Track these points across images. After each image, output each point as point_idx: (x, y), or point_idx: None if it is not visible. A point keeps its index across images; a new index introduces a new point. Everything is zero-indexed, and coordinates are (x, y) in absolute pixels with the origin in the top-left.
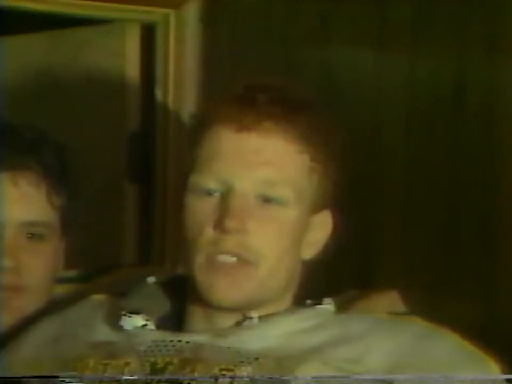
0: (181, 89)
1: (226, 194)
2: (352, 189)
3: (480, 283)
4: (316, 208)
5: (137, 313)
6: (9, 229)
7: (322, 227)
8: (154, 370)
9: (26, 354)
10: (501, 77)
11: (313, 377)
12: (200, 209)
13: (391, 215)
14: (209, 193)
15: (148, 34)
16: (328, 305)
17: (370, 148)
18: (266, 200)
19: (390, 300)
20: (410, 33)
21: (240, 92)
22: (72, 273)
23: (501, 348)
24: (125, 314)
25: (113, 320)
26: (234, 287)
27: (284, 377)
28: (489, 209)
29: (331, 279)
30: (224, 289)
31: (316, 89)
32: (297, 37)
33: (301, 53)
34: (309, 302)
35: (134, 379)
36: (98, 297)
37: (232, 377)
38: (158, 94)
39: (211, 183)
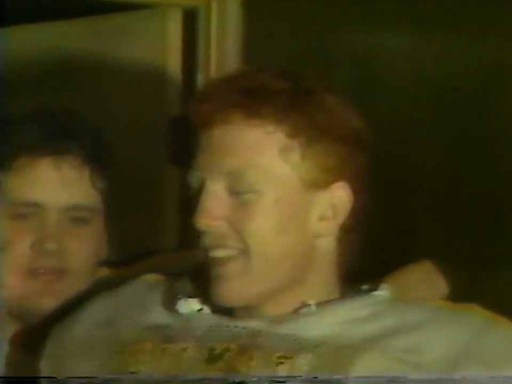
0: (222, 73)
1: (199, 191)
2: (390, 168)
3: None
4: (318, 184)
5: (193, 297)
6: (53, 213)
7: (333, 201)
8: (212, 356)
9: (79, 335)
10: None
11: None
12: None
13: (431, 193)
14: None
15: (190, 19)
16: (384, 291)
17: (407, 130)
18: (238, 192)
19: (426, 272)
20: (445, 16)
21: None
22: (114, 256)
23: None
24: (181, 298)
25: (169, 303)
26: (232, 286)
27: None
28: None
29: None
30: (224, 290)
31: (353, 73)
32: (336, 22)
33: (339, 36)
34: (365, 288)
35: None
36: (153, 277)
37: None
38: (199, 78)
39: (192, 180)
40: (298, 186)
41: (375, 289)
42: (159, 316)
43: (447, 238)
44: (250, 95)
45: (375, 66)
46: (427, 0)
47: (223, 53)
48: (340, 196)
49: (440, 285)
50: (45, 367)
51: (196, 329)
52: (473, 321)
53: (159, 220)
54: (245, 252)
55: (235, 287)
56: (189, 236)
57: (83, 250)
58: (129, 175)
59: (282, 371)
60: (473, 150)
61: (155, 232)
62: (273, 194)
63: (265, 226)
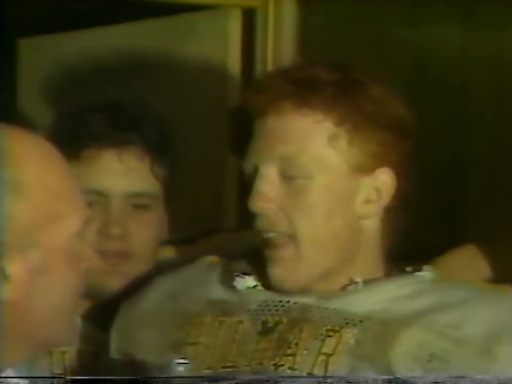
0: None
1: (253, 176)
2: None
3: None
4: (364, 169)
5: (248, 274)
6: (116, 200)
7: (377, 185)
8: (265, 328)
9: (146, 309)
10: None
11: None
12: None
13: (480, 177)
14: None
15: (249, 18)
16: (427, 272)
17: (459, 118)
18: (290, 177)
19: (469, 257)
20: (498, 8)
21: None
22: (177, 236)
23: None
24: (238, 275)
25: (227, 281)
26: (284, 271)
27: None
28: None
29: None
30: (277, 274)
31: (406, 66)
32: (389, 17)
33: (392, 31)
34: (409, 269)
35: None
36: (211, 259)
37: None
38: (258, 73)
39: (247, 165)
40: (346, 172)
41: (419, 271)
42: (217, 291)
43: (493, 221)
44: (301, 86)
45: (426, 58)
46: None
47: (279, 49)
48: (384, 181)
49: (483, 269)
50: (114, 339)
51: (250, 304)
52: (510, 299)
53: (220, 202)
54: (294, 237)
55: (287, 271)
56: (246, 218)
57: (145, 234)
58: (192, 162)
59: (330, 344)
60: None
61: (215, 214)
62: (323, 179)
63: (315, 210)
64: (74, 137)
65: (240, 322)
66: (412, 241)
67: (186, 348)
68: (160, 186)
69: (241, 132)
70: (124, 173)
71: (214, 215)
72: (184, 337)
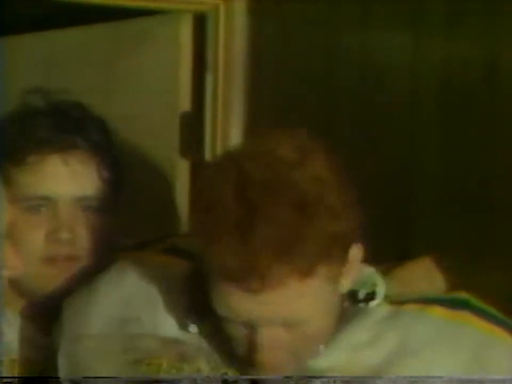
0: (230, 73)
1: (250, 338)
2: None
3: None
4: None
5: (202, 321)
6: (64, 205)
7: (351, 264)
8: (226, 382)
9: (94, 334)
10: None
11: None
12: None
13: (429, 188)
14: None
15: (200, 24)
16: (380, 298)
17: (406, 125)
18: (291, 327)
19: (425, 269)
20: (444, 15)
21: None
22: (128, 241)
23: None
24: (191, 324)
25: (179, 320)
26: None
27: None
28: None
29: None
30: (263, 363)
31: (355, 72)
32: (339, 24)
33: (342, 38)
34: (361, 298)
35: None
36: (156, 272)
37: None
38: (208, 77)
39: (236, 328)
40: (332, 290)
41: (372, 298)
42: (170, 328)
43: (446, 233)
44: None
45: (375, 64)
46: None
47: (230, 53)
48: (354, 255)
49: (439, 281)
50: (62, 367)
51: (207, 352)
52: (471, 340)
53: (172, 206)
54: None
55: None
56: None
57: (94, 238)
58: (144, 165)
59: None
60: (471, 144)
61: (169, 217)
62: (322, 311)
63: (317, 337)
64: (18, 143)
65: (199, 370)
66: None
67: None
68: (107, 188)
69: (191, 135)
70: (70, 177)
71: (166, 218)
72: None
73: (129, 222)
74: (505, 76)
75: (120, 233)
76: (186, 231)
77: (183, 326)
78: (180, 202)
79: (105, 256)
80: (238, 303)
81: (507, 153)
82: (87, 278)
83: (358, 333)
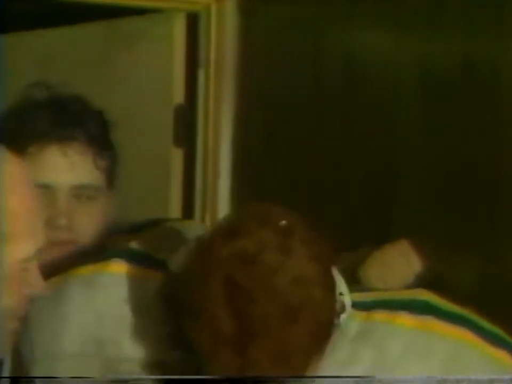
0: (221, 69)
1: None
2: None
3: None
4: None
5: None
6: (62, 193)
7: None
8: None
9: (73, 351)
10: (504, 53)
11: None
12: None
13: (408, 176)
14: None
15: (192, 22)
16: (348, 310)
17: (389, 116)
18: None
19: (403, 251)
20: (423, 15)
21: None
22: (123, 225)
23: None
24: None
25: (161, 345)
26: None
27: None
28: (494, 176)
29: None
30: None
31: (340, 69)
32: (325, 23)
33: (328, 36)
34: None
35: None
36: (135, 290)
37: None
38: (200, 73)
39: None
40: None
41: (341, 312)
42: (152, 352)
43: (423, 218)
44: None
45: (359, 59)
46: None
47: (221, 50)
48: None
49: (415, 262)
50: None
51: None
52: (441, 352)
53: (166, 193)
54: None
55: None
56: (191, 207)
57: (90, 223)
58: (140, 155)
59: None
60: (451, 133)
61: (163, 203)
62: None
63: None
64: (19, 135)
65: None
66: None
67: None
68: (102, 177)
69: (184, 126)
70: (67, 167)
71: (160, 205)
72: None
73: (125, 207)
74: (479, 70)
75: (116, 218)
76: (177, 216)
77: (164, 349)
78: (173, 188)
79: (101, 241)
80: None
81: (485, 141)
82: (83, 262)
83: (337, 353)
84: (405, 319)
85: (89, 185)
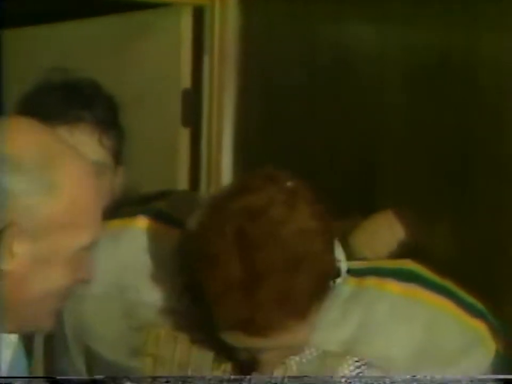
0: (223, 57)
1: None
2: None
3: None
4: None
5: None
6: None
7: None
8: (219, 358)
9: (97, 294)
10: (479, 45)
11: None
12: None
13: (393, 150)
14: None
15: (198, 15)
16: (343, 275)
17: (374, 101)
18: None
19: (388, 221)
20: (406, 10)
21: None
22: (132, 196)
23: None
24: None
25: (176, 293)
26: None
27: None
28: (467, 149)
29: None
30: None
31: (330, 58)
32: (316, 16)
33: (318, 28)
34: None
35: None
36: (149, 229)
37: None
38: (205, 61)
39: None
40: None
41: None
42: (168, 298)
43: (404, 188)
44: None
45: (347, 52)
46: None
47: (224, 39)
48: None
49: (399, 231)
50: (67, 323)
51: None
52: (423, 317)
53: (174, 168)
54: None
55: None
56: (197, 180)
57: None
58: (151, 135)
59: (278, 374)
60: (430, 111)
61: (171, 176)
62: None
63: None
64: (33, 116)
65: (194, 342)
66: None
67: (144, 359)
68: (109, 155)
69: (191, 108)
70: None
71: (169, 179)
72: (141, 346)
73: (138, 180)
74: (455, 58)
75: (129, 190)
76: (185, 188)
77: (179, 298)
78: (181, 164)
79: (109, 213)
80: (241, 341)
81: (458, 117)
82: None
83: (330, 312)
84: (392, 286)
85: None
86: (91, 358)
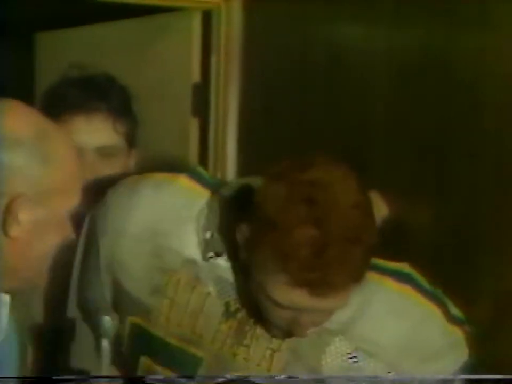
0: (229, 55)
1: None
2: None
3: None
4: None
5: (221, 255)
6: (88, 152)
7: None
8: (227, 312)
9: (131, 235)
10: (458, 38)
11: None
12: None
13: (379, 135)
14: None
15: (207, 18)
16: None
17: (363, 93)
18: None
19: (374, 200)
20: (390, 9)
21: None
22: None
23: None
24: (211, 257)
25: (202, 248)
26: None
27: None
28: (444, 133)
29: None
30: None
31: (323, 54)
32: (310, 17)
33: (313, 27)
34: None
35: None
36: (189, 199)
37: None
38: (213, 58)
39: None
40: None
41: None
42: (193, 249)
43: (391, 171)
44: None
45: (338, 48)
46: None
47: (229, 40)
48: None
49: (383, 209)
50: (103, 247)
51: (220, 280)
52: (413, 314)
53: (184, 153)
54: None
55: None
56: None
57: (114, 176)
58: (163, 123)
59: (276, 340)
60: (413, 102)
61: (181, 157)
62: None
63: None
64: (54, 107)
65: (208, 294)
66: None
67: (162, 299)
68: (122, 139)
69: (200, 100)
70: (92, 132)
71: (178, 165)
72: (163, 287)
73: (151, 166)
74: (436, 53)
75: (141, 171)
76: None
77: (203, 253)
78: (191, 150)
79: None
80: (297, 299)
81: (437, 106)
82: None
83: None
84: (390, 283)
85: (109, 146)
86: (118, 292)
